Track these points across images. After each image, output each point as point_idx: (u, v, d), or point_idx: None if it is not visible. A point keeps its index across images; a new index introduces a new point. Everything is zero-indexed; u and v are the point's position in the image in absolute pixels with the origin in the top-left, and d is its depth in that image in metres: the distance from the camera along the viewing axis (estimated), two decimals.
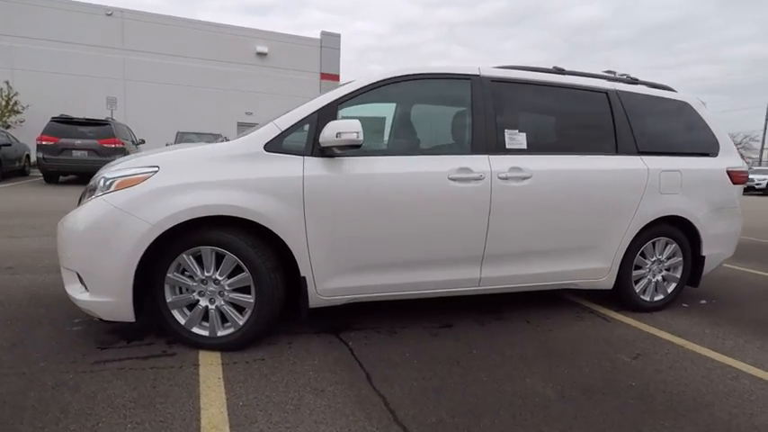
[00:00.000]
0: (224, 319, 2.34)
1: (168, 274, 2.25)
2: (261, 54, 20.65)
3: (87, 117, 11.04)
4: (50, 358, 2.16)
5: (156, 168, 2.19)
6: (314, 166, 2.35)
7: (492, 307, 3.21)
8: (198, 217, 2.15)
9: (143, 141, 13.57)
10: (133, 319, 2.21)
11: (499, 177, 2.66)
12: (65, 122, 10.63)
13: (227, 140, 2.49)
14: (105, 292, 2.14)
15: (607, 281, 3.10)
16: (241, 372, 2.13)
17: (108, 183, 2.19)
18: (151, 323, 2.56)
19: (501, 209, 2.67)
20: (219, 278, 2.26)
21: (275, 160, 2.30)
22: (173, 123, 18.57)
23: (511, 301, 3.35)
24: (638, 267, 3.22)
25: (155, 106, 19.04)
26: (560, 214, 2.83)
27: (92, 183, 2.32)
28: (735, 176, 3.39)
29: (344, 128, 2.20)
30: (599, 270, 3.04)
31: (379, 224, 2.45)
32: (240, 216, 2.20)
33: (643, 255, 3.21)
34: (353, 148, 2.27)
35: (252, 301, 2.27)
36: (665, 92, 3.41)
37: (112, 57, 18.43)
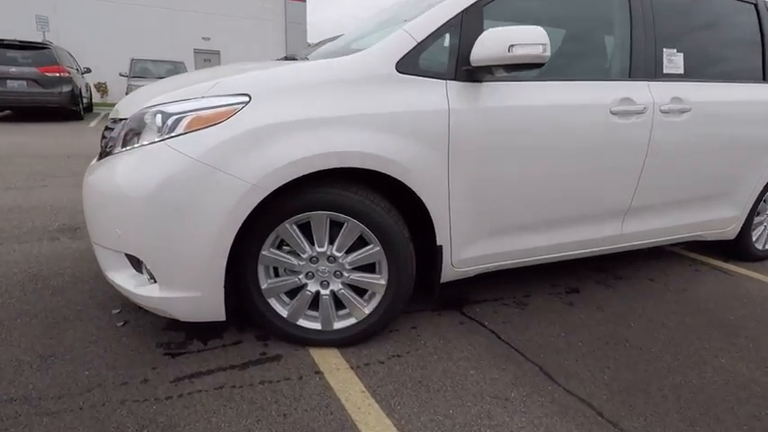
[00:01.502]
0: (337, 305, 1.74)
1: (263, 252, 1.59)
2: None
3: (20, 39, 9.17)
4: (107, 378, 1.52)
5: (247, 98, 1.44)
6: (459, 94, 1.67)
7: (599, 264, 2.78)
8: (314, 171, 1.48)
9: (89, 70, 11.68)
10: (224, 318, 1.57)
11: (661, 110, 2.10)
12: None
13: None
14: (186, 285, 1.46)
15: (733, 230, 2.72)
16: (384, 378, 1.59)
17: (173, 120, 1.43)
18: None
19: (657, 150, 2.14)
20: (337, 254, 1.64)
21: (412, 86, 1.60)
22: (118, 50, 16.21)
23: (613, 257, 2.94)
24: (756, 215, 2.86)
25: (94, 29, 16.42)
26: (711, 156, 2.34)
27: (131, 121, 1.54)
28: None
29: (523, 38, 1.51)
30: (729, 219, 2.64)
31: (531, 172, 1.86)
32: (373, 168, 1.53)
33: (765, 201, 2.85)
34: (529, 69, 1.60)
35: (383, 282, 1.67)
36: None
37: None
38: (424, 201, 1.66)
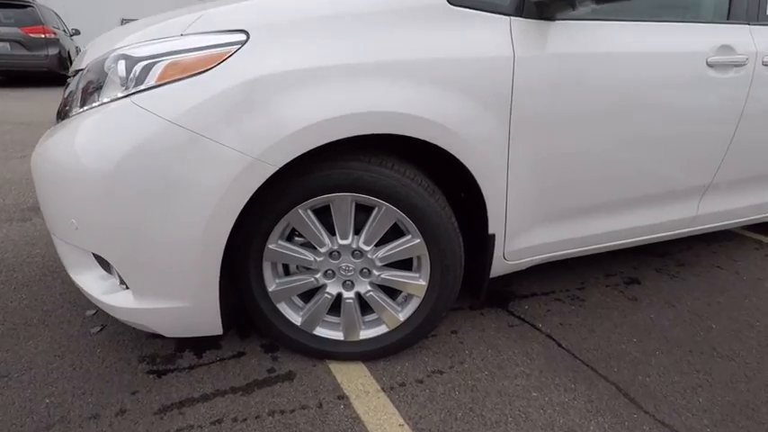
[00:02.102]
0: (363, 309, 1.39)
1: (270, 245, 1.23)
2: None
3: None
4: (72, 408, 1.18)
5: (244, 36, 1.04)
6: (526, 36, 1.26)
7: (652, 248, 2.42)
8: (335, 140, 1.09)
9: (77, 32, 11.01)
10: (221, 332, 1.23)
11: (763, 63, 1.68)
12: None
13: None
14: (168, 293, 1.11)
15: None
16: (426, 404, 1.25)
17: (141, 67, 1.03)
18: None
19: (753, 112, 1.72)
20: (364, 248, 1.27)
21: (467, 24, 1.19)
22: (107, 10, 15.41)
23: (667, 240, 2.57)
24: None
25: None
26: None
27: (89, 70, 1.15)
28: None
29: None
30: None
31: (609, 140, 1.46)
32: (417, 135, 1.14)
33: None
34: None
35: (423, 283, 1.31)
36: None
37: None
38: (477, 178, 1.28)
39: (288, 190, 1.16)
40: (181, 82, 1.01)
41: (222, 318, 1.19)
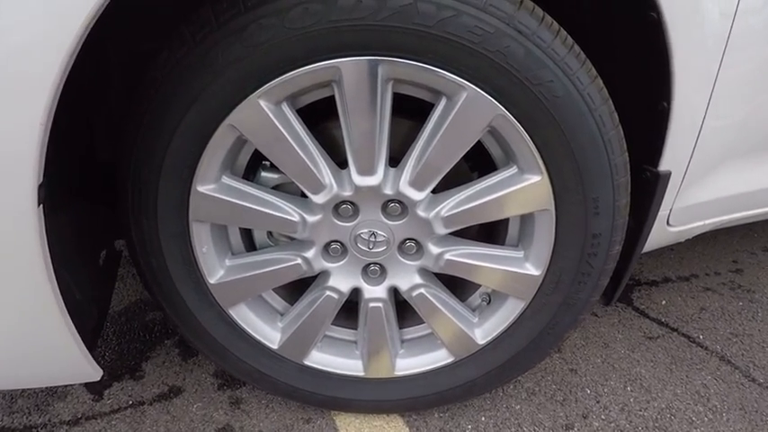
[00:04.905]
0: (401, 318, 0.73)
1: (199, 187, 0.55)
2: None
3: None
4: None
5: None
6: None
7: None
8: None
9: None
10: (96, 375, 0.57)
11: None
12: None
13: None
14: None
15: None
16: None
17: None
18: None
19: None
20: (414, 195, 0.57)
21: None
22: None
23: None
24: None
25: None
26: None
27: None
28: None
29: None
30: None
31: None
32: None
33: None
34: None
35: (536, 273, 0.61)
36: None
37: None
38: (675, 54, 0.56)
39: (228, 47, 0.47)
40: None
41: (91, 344, 0.54)
